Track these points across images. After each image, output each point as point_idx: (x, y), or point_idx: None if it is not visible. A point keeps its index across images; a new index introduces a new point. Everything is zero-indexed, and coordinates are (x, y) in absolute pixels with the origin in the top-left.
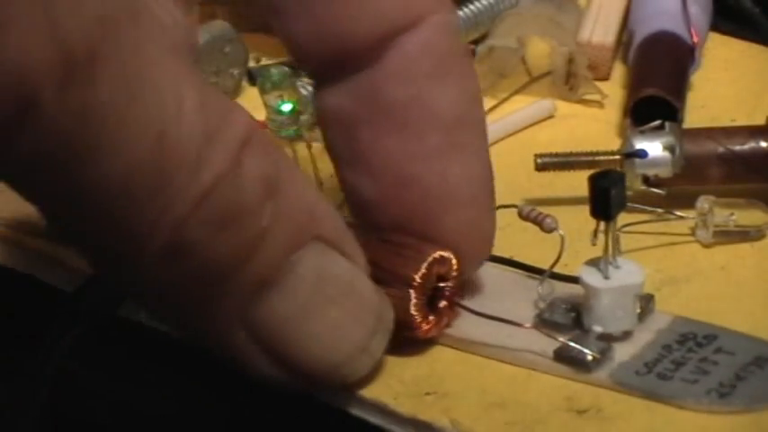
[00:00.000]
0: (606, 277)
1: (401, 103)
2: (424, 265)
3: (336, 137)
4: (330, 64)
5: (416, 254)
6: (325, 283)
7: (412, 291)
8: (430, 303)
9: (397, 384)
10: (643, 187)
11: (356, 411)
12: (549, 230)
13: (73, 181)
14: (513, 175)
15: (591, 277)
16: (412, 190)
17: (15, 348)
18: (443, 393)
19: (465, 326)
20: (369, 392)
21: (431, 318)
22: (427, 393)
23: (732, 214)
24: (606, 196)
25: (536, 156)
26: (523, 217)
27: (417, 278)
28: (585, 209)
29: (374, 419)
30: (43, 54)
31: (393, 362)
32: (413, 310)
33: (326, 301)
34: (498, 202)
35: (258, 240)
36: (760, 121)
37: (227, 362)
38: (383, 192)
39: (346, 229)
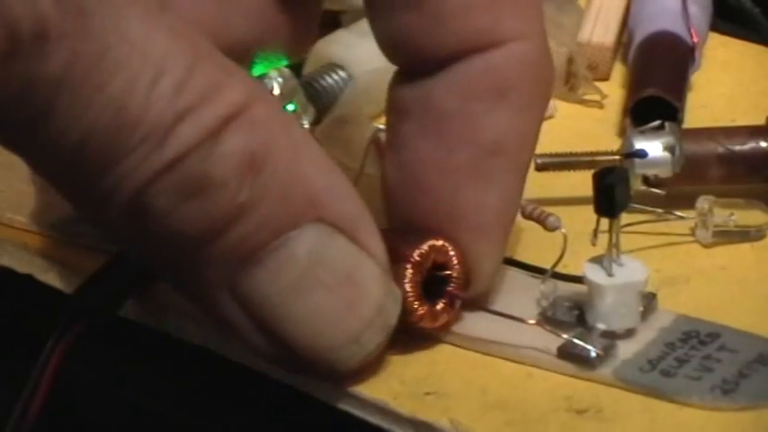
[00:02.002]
0: (610, 274)
1: (446, 113)
2: (424, 245)
3: (389, 122)
4: (407, 64)
5: (418, 237)
6: (319, 266)
7: (408, 266)
8: (429, 295)
9: (397, 384)
10: (643, 187)
11: (356, 411)
12: (553, 229)
13: (27, 139)
14: None
15: (595, 274)
16: (425, 196)
17: (15, 348)
18: (443, 393)
19: (468, 323)
20: (369, 392)
21: (425, 306)
22: (427, 393)
23: (732, 214)
24: (611, 193)
25: (536, 156)
26: (526, 215)
27: (415, 255)
28: (585, 209)
29: (374, 419)
30: None
31: (393, 361)
32: (407, 287)
33: (318, 284)
34: None
35: (235, 215)
36: (760, 121)
37: (219, 328)
38: (402, 187)
39: (363, 217)
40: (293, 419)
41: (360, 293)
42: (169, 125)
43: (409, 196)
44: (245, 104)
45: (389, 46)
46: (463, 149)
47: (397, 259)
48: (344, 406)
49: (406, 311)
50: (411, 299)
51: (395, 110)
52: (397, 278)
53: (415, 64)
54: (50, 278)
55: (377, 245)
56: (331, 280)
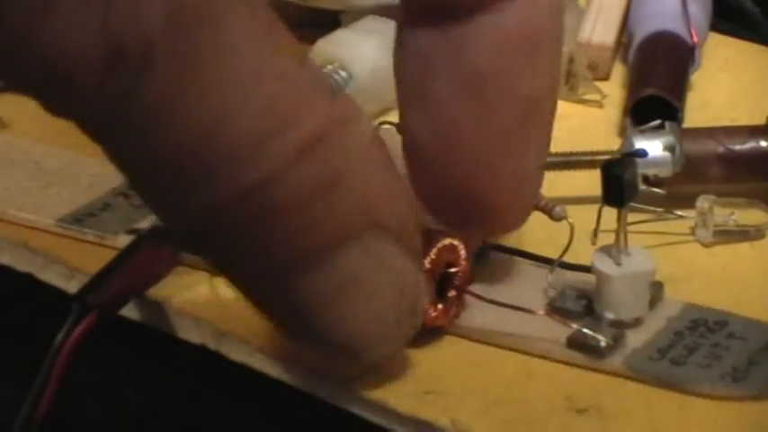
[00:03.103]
0: (618, 264)
1: (484, 72)
2: (434, 250)
3: (410, 74)
4: (425, 7)
5: (427, 240)
6: (367, 271)
7: (420, 276)
8: (439, 292)
9: (398, 383)
10: (643, 187)
11: (356, 410)
12: (559, 219)
13: (113, 149)
14: None
15: (603, 264)
16: (467, 156)
17: (15, 348)
18: (443, 392)
19: (476, 315)
20: (369, 391)
21: (439, 306)
22: (427, 392)
23: (732, 214)
24: (619, 183)
25: None
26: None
27: (426, 263)
28: (586, 208)
29: (374, 418)
30: (86, 39)
31: (393, 361)
32: None
33: (363, 288)
34: None
35: (300, 233)
36: (760, 121)
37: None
38: (437, 147)
39: (410, 215)
40: (293, 419)
41: (399, 296)
42: (256, 148)
43: (446, 156)
44: (328, 125)
45: None
46: (504, 108)
47: None
48: (345, 405)
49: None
50: (425, 306)
51: (417, 62)
52: None
53: (434, 9)
54: (50, 277)
55: (417, 243)
56: (375, 283)
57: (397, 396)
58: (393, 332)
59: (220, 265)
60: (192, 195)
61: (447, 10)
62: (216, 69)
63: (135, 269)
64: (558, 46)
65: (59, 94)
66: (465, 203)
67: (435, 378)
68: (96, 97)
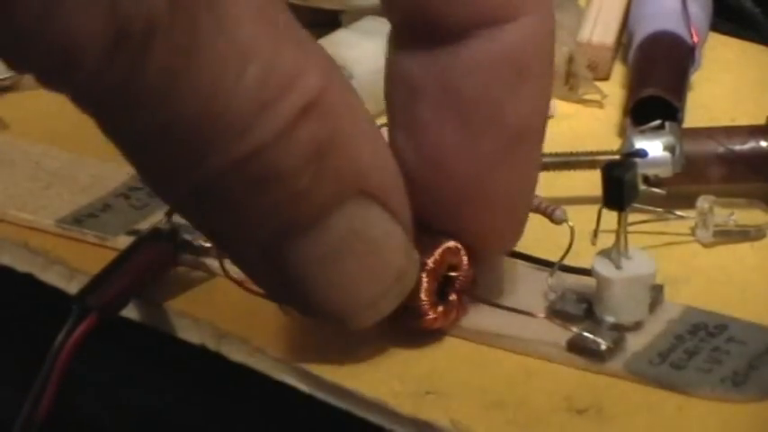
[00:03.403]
0: (618, 267)
1: (470, 98)
2: (438, 251)
3: (397, 97)
4: (413, 29)
5: (431, 241)
6: (354, 237)
7: (423, 275)
8: (440, 294)
9: (398, 383)
10: (643, 187)
11: (356, 410)
12: (560, 222)
13: (113, 124)
14: None
15: (603, 267)
16: (451, 181)
17: (15, 348)
18: (443, 393)
19: (476, 317)
20: (369, 391)
21: (439, 308)
22: (427, 392)
23: (732, 214)
24: (619, 185)
25: None
26: (532, 209)
27: (430, 263)
28: (586, 209)
29: (374, 418)
30: (95, 25)
31: (394, 361)
32: (423, 296)
33: (350, 253)
34: None
35: (293, 198)
36: (760, 121)
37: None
38: (423, 171)
39: (397, 183)
40: (293, 419)
41: (385, 262)
42: (252, 117)
43: (432, 180)
44: (321, 91)
45: (397, 10)
46: (489, 135)
47: None
48: (345, 405)
49: (419, 317)
50: (426, 307)
51: (404, 85)
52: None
53: (422, 32)
54: (50, 277)
55: (405, 210)
56: (363, 249)
57: (397, 396)
58: (381, 298)
59: (215, 235)
60: (191, 165)
61: (435, 33)
62: (216, 42)
63: (135, 270)
64: (547, 74)
65: (66, 73)
66: (455, 225)
67: (435, 378)
68: (102, 74)
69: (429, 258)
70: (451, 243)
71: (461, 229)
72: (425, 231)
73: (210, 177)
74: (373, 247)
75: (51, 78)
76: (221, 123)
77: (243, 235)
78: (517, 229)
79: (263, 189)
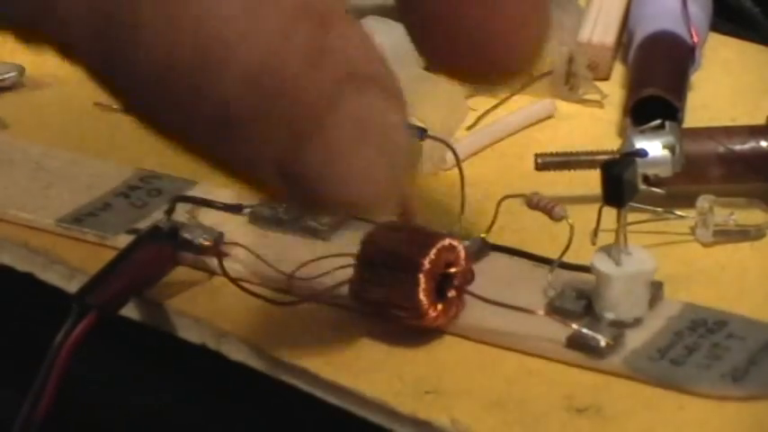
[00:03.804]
0: (618, 264)
1: None
2: (433, 250)
3: None
4: None
5: (426, 239)
6: (362, 125)
7: (420, 275)
8: (438, 292)
9: (398, 383)
10: (643, 187)
11: (356, 410)
12: (559, 218)
13: (116, 61)
14: (513, 174)
15: (603, 264)
16: None
17: (15, 348)
18: (443, 392)
19: (476, 314)
20: (369, 391)
21: (438, 306)
22: (427, 392)
23: (732, 214)
24: (618, 183)
25: (536, 155)
26: (532, 206)
27: (426, 263)
28: (585, 208)
29: (374, 418)
30: None
31: (394, 360)
32: (421, 296)
33: (362, 141)
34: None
35: (300, 102)
36: (760, 121)
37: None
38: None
39: (384, 63)
40: (293, 419)
41: (394, 142)
42: (247, 30)
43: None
44: None
45: None
46: None
47: (408, 268)
48: (345, 405)
49: (419, 317)
50: (425, 306)
51: None
52: (411, 287)
53: None
54: (50, 277)
55: (399, 94)
56: (372, 134)
57: (396, 396)
58: (397, 178)
59: (227, 158)
60: (206, 91)
61: None
62: None
63: (135, 269)
64: None
65: (50, 24)
66: (471, 41)
67: (435, 378)
68: (83, 21)
69: (425, 258)
70: (446, 241)
71: (476, 48)
72: (420, 231)
73: (225, 99)
74: (381, 130)
75: (38, 31)
76: (221, 36)
77: (256, 154)
78: (533, 42)
79: (272, 99)
